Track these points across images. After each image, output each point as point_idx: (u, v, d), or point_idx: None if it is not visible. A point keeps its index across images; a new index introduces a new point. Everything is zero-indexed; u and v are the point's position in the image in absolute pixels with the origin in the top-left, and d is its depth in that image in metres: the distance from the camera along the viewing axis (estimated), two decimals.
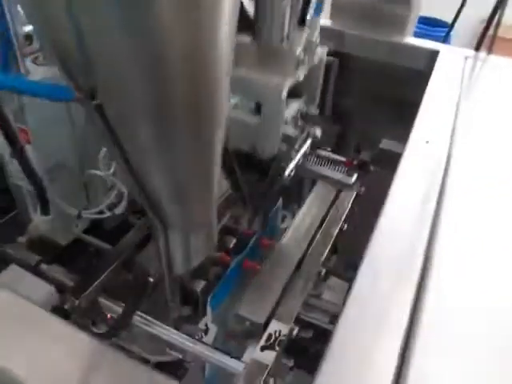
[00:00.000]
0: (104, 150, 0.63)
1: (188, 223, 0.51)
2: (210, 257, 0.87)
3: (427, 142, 0.72)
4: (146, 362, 0.89)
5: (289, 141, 0.66)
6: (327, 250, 0.82)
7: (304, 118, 0.71)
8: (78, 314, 0.68)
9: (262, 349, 0.64)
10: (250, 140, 0.65)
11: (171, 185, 0.44)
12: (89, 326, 0.75)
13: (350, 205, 0.94)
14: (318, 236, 0.85)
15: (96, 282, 0.70)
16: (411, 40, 1.20)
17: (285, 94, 0.60)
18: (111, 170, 0.65)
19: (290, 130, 0.65)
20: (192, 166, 0.44)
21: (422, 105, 0.83)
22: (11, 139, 0.54)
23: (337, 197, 0.96)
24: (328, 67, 1.24)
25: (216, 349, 0.64)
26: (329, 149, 1.17)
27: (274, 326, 0.67)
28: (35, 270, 0.72)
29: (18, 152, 0.56)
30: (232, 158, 0.67)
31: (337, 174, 0.91)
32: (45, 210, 0.65)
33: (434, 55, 1.11)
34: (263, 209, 0.79)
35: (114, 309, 0.70)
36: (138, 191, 0.44)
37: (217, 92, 0.38)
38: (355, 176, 0.91)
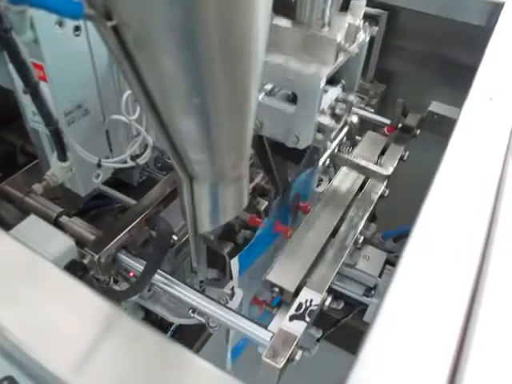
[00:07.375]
0: (127, 92, 0.57)
1: (216, 175, 0.44)
2: (239, 218, 0.82)
3: (491, 98, 0.63)
4: (168, 323, 0.87)
5: (325, 131, 0.61)
6: (366, 217, 0.76)
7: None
8: (97, 270, 0.65)
9: (291, 318, 0.59)
10: (284, 129, 0.60)
11: (199, 126, 0.37)
12: (108, 282, 0.72)
13: (392, 169, 0.87)
14: (356, 201, 0.79)
15: (117, 237, 0.66)
16: None
17: (323, 83, 0.55)
18: (135, 116, 0.59)
19: (327, 120, 0.60)
20: (224, 105, 0.36)
21: (483, 58, 0.73)
22: (24, 74, 0.49)
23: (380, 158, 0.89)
24: (376, 21, 1.15)
25: (242, 316, 0.60)
26: (372, 110, 1.09)
27: (306, 295, 0.62)
28: (55, 222, 0.69)
29: (32, 88, 0.50)
30: (264, 142, 0.67)
31: (372, 165, 0.85)
32: (62, 156, 0.59)
33: (497, 8, 0.99)
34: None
35: (134, 266, 0.66)
36: (162, 132, 0.37)
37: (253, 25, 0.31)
38: (392, 168, 0.85)
